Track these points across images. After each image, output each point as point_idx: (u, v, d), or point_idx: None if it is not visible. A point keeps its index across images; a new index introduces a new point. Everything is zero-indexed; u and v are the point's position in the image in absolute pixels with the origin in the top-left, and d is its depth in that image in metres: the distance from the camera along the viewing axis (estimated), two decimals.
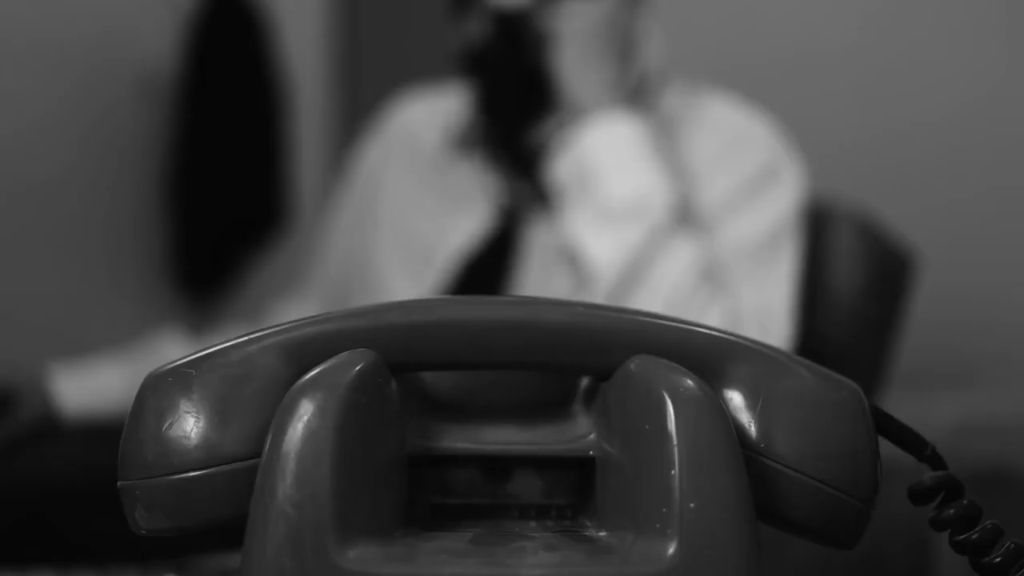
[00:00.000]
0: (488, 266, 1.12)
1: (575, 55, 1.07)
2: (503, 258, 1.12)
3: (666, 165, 1.06)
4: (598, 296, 1.02)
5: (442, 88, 1.26)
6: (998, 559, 0.41)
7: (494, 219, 1.14)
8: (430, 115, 1.22)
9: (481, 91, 1.13)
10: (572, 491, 0.42)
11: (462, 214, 1.15)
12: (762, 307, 1.05)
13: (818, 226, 1.15)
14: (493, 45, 1.09)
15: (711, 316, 0.99)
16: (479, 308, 0.42)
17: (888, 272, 1.16)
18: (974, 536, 0.42)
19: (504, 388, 0.47)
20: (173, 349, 1.18)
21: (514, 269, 1.11)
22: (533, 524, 0.41)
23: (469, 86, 1.15)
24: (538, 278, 1.09)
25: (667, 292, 1.01)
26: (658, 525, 0.37)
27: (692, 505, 0.36)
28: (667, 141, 1.10)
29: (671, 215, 1.03)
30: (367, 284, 1.17)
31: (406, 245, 1.16)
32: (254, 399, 0.39)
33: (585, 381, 0.45)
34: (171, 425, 0.39)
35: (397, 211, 1.18)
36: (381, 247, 1.17)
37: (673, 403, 0.38)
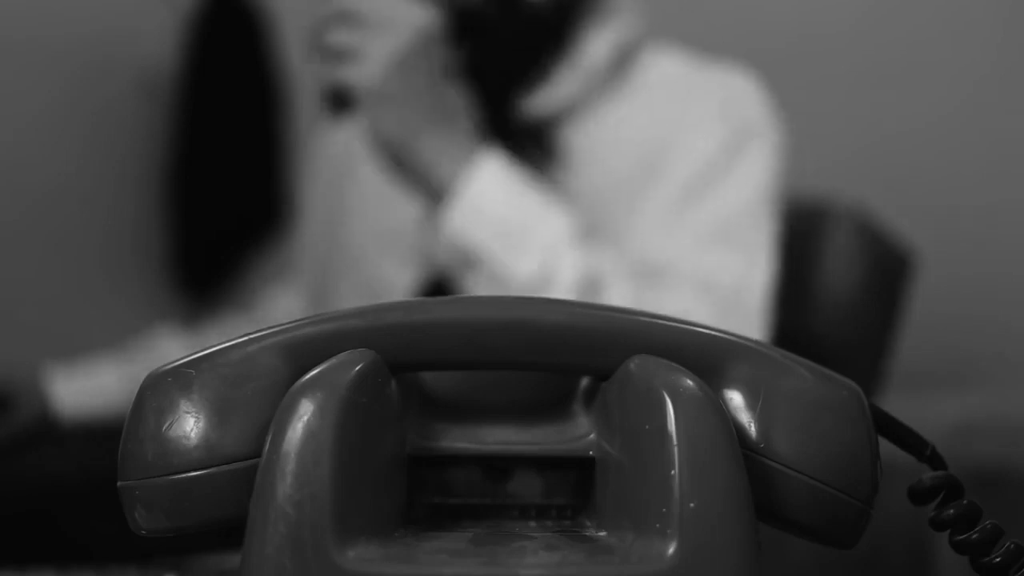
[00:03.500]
0: None
1: None
2: None
3: (551, 204, 0.98)
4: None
5: None
6: (998, 559, 0.41)
7: None
8: None
9: (471, 57, 1.07)
10: (572, 491, 0.42)
11: None
12: (736, 282, 1.01)
13: (816, 224, 1.15)
14: (490, 4, 1.05)
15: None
16: (479, 308, 0.42)
17: (886, 270, 1.16)
18: (974, 536, 0.42)
19: (504, 388, 0.47)
20: (170, 345, 1.18)
21: None
22: (533, 524, 0.41)
23: (455, 54, 1.09)
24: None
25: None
26: (658, 525, 0.37)
27: (692, 505, 0.36)
28: (549, 169, 1.05)
29: (571, 245, 0.96)
30: (348, 269, 1.13)
31: (386, 227, 1.12)
32: (254, 399, 0.39)
33: (585, 381, 0.45)
34: (171, 425, 0.39)
35: (371, 198, 1.14)
36: (355, 232, 1.13)
37: (673, 403, 0.38)
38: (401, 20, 0.93)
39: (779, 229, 1.08)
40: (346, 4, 0.93)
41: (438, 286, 1.05)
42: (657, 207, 1.04)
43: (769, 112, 1.09)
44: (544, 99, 1.06)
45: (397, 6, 0.94)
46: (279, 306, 1.24)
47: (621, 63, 1.09)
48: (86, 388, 1.14)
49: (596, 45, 1.07)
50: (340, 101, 0.96)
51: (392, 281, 1.08)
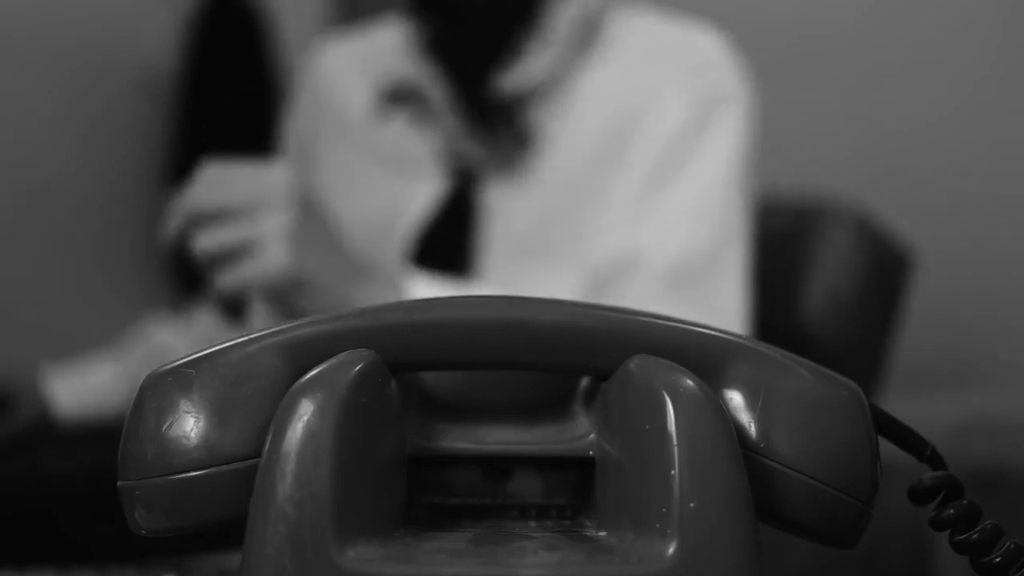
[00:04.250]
0: (448, 238, 1.03)
1: None
2: (464, 227, 1.03)
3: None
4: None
5: (366, 30, 1.18)
6: (998, 559, 0.41)
7: (447, 185, 1.05)
8: (358, 73, 1.12)
9: (441, 35, 1.04)
10: (572, 491, 0.42)
11: (412, 185, 1.06)
12: (709, 267, 0.99)
13: (815, 223, 1.15)
14: None
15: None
16: (479, 308, 0.42)
17: (886, 270, 1.16)
18: (974, 536, 0.42)
19: (504, 388, 0.47)
20: (160, 332, 1.17)
21: (478, 239, 1.03)
22: (533, 524, 0.41)
23: (418, 28, 1.06)
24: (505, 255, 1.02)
25: None
26: (658, 525, 0.37)
27: (692, 505, 0.36)
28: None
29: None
30: None
31: (358, 218, 1.06)
32: (254, 399, 0.39)
33: (585, 381, 0.45)
34: (171, 425, 0.39)
35: (339, 188, 1.08)
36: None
37: (673, 403, 0.38)
38: (272, 190, 0.81)
39: (753, 199, 1.05)
40: (204, 203, 0.82)
41: None
42: (626, 190, 1.02)
43: (739, 75, 1.06)
44: (517, 76, 1.03)
45: (258, 178, 0.83)
46: None
47: (589, 32, 1.06)
48: (82, 386, 1.13)
49: (564, 15, 1.04)
50: (238, 304, 0.84)
51: None
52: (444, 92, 1.05)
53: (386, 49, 1.12)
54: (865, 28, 2.02)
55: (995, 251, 1.95)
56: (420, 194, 1.06)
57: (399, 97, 1.08)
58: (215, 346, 0.40)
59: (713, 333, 0.42)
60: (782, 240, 1.15)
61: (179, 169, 1.90)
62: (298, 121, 1.17)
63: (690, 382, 0.39)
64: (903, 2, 2.02)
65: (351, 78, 1.13)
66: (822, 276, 1.14)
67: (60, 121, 1.78)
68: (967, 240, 1.93)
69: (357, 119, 1.11)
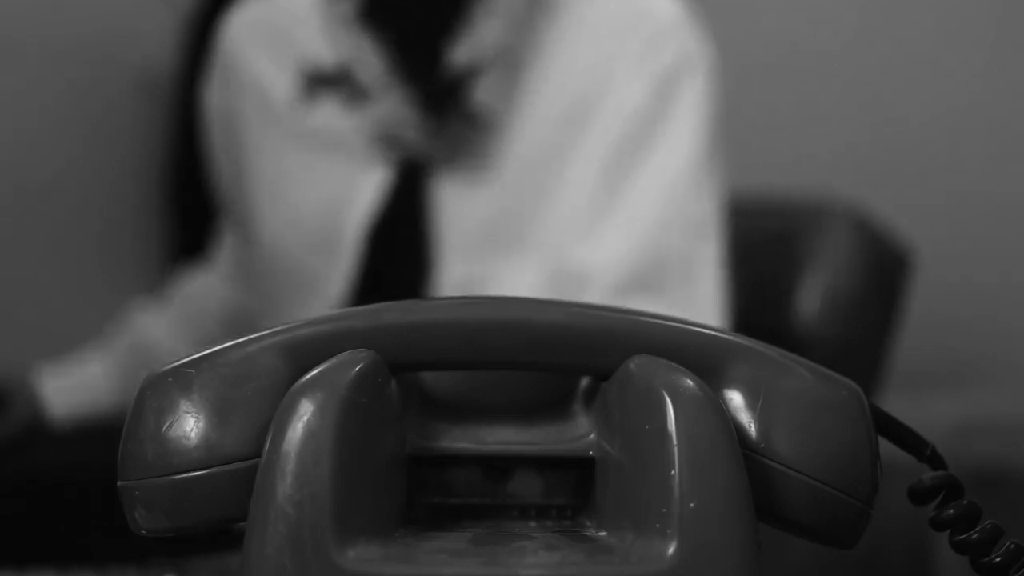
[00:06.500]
0: (402, 236, 0.98)
1: None
2: (418, 222, 0.97)
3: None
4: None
5: None
6: (998, 559, 0.41)
7: (394, 176, 0.98)
8: (270, 50, 1.03)
9: (384, 2, 0.96)
10: (572, 491, 0.42)
11: (354, 175, 0.99)
12: (683, 268, 0.95)
13: (814, 223, 1.15)
14: None
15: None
16: (478, 308, 0.42)
17: (885, 269, 1.16)
18: (974, 536, 0.42)
19: (504, 388, 0.47)
20: (145, 319, 1.16)
21: (433, 235, 0.97)
22: (533, 524, 0.41)
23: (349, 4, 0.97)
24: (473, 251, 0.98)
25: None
26: (658, 525, 0.37)
27: (692, 505, 0.36)
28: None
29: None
30: (271, 265, 1.03)
31: (298, 214, 1.01)
32: (254, 399, 0.39)
33: (585, 381, 0.45)
34: (171, 425, 0.39)
35: (273, 179, 1.02)
36: (266, 218, 1.02)
37: (673, 403, 0.38)
38: None
39: (726, 173, 1.00)
40: None
41: (375, 282, 0.98)
42: (587, 177, 0.97)
43: (697, 39, 1.00)
44: (468, 47, 0.95)
45: None
46: (223, 256, 1.19)
47: (540, 2, 0.99)
48: (75, 385, 1.13)
49: None
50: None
51: (321, 274, 1.01)
52: (380, 70, 0.97)
53: (301, 20, 1.03)
54: (863, 26, 2.02)
55: (995, 251, 1.95)
56: (365, 186, 0.99)
57: (325, 81, 1.00)
58: (215, 346, 0.40)
59: (713, 333, 0.42)
60: (781, 240, 1.15)
61: (179, 169, 1.90)
62: (214, 99, 1.08)
63: (690, 382, 0.39)
64: (901, 1, 2.02)
65: (262, 55, 1.04)
66: (821, 276, 1.14)
67: (59, 121, 1.78)
68: (967, 240, 1.93)
69: (280, 101, 1.02)
